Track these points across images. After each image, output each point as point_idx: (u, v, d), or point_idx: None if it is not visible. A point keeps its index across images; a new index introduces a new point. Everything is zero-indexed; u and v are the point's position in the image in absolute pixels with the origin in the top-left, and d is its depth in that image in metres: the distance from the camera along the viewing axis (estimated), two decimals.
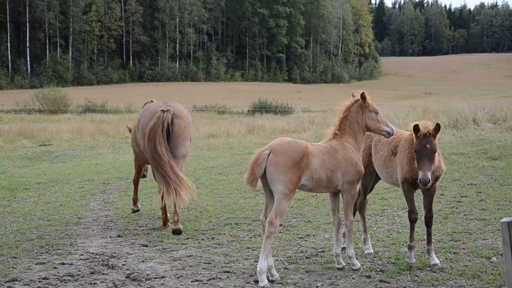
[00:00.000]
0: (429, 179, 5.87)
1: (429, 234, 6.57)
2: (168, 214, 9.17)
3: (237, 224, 8.97)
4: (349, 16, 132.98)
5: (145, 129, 8.85)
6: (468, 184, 11.48)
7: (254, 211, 9.88)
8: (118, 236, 8.48)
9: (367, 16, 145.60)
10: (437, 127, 5.94)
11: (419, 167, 5.98)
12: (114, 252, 7.51)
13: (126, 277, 6.43)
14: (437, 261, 6.50)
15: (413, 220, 6.56)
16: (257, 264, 6.64)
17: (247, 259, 7.03)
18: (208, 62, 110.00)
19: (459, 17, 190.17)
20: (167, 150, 8.63)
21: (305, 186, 6.27)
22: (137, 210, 10.12)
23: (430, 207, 6.57)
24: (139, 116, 9.33)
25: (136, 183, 10.23)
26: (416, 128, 6.03)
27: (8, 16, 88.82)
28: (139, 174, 10.31)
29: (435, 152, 5.96)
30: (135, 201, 10.14)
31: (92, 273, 6.60)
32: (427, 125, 6.18)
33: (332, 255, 6.78)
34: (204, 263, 6.87)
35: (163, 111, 8.79)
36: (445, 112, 23.73)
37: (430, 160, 5.90)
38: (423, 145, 5.90)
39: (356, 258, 6.73)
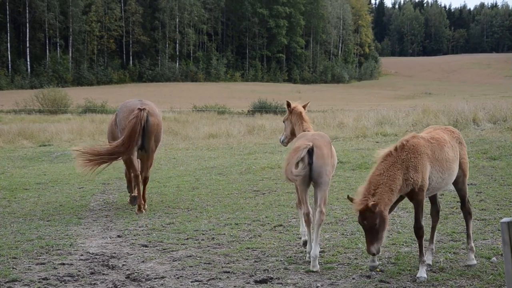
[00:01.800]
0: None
1: (419, 245, 6.23)
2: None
3: (237, 224, 8.96)
4: (349, 16, 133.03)
5: (123, 123, 10.20)
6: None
7: (254, 211, 9.87)
8: (118, 236, 8.48)
9: (367, 16, 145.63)
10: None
11: None
12: (114, 253, 7.50)
13: (126, 278, 6.42)
14: (424, 274, 6.05)
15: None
16: (257, 264, 6.67)
17: (247, 259, 7.02)
18: (208, 62, 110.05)
19: (459, 17, 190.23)
20: (136, 147, 10.16)
21: None
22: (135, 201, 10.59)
23: (417, 217, 6.25)
24: (117, 112, 10.70)
25: (135, 179, 10.49)
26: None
27: (8, 17, 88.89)
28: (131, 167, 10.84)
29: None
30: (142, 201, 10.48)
31: (92, 273, 6.60)
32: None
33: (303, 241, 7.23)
34: (204, 264, 6.87)
35: (139, 109, 10.03)
36: (445, 112, 23.74)
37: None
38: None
39: (356, 258, 6.75)
